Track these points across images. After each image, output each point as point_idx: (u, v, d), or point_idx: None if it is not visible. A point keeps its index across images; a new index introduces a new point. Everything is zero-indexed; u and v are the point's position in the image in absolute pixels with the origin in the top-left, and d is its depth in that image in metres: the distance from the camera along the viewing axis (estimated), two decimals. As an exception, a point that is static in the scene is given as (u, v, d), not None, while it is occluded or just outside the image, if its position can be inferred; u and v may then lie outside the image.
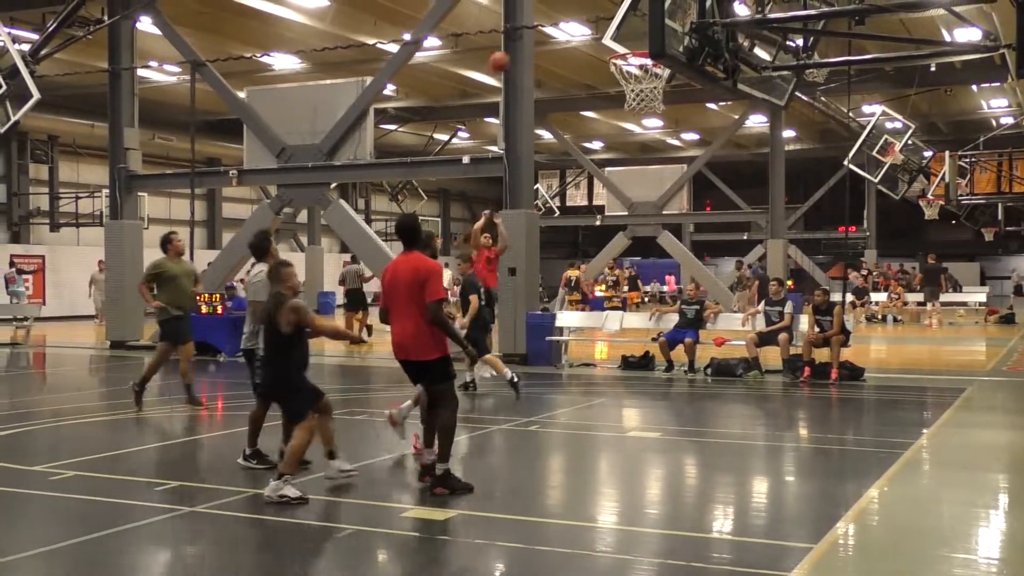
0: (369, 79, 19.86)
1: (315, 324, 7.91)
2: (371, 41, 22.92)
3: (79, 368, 18.50)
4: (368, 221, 38.76)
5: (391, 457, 9.38)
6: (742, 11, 11.39)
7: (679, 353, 16.04)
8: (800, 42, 11.63)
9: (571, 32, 24.86)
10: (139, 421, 11.94)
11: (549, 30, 24.02)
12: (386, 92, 28.48)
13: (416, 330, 7.53)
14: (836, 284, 32.28)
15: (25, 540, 6.60)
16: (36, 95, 18.36)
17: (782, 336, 15.15)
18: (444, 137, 40.26)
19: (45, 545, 6.37)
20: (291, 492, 7.26)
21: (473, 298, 12.98)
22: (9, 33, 19.09)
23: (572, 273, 29.24)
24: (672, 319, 16.63)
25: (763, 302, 16.47)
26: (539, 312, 18.43)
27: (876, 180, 29.08)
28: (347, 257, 23.38)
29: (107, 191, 22.59)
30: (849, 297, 25.94)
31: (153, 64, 25.49)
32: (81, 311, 30.77)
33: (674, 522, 7.16)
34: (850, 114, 32.70)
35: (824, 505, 7.51)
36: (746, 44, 11.00)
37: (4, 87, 18.40)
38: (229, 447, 10.11)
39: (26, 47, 19.24)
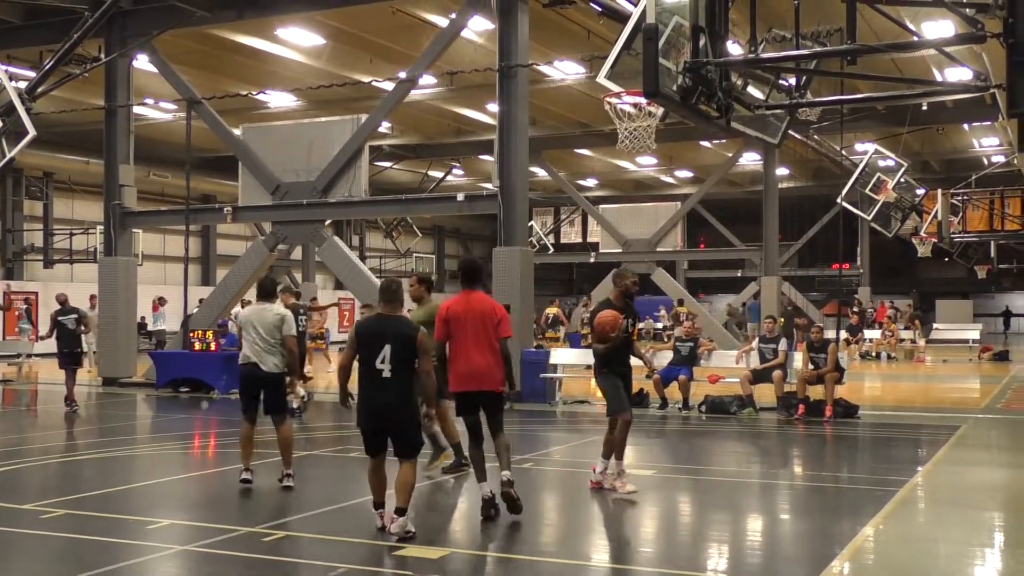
0: (364, 116, 19.94)
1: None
2: (366, 79, 23.05)
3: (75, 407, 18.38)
4: (363, 258, 38.82)
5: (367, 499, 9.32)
6: (735, 51, 11.48)
7: (673, 390, 16.02)
8: (793, 81, 11.72)
9: (565, 70, 25.03)
10: (130, 459, 11.88)
11: (544, 68, 24.18)
12: (381, 129, 28.64)
13: (492, 362, 8.33)
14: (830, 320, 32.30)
15: (14, 579, 6.54)
16: (32, 132, 18.37)
17: (776, 373, 15.14)
18: (439, 174, 40.40)
19: (34, 584, 6.32)
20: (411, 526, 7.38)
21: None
22: (6, 71, 19.14)
23: (552, 311, 29.27)
24: (667, 356, 16.62)
25: (757, 339, 16.48)
26: (533, 349, 18.40)
27: (869, 218, 29.17)
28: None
29: (101, 227, 22.59)
30: (843, 334, 25.95)
31: (149, 101, 25.60)
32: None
33: (669, 561, 7.12)
34: (843, 152, 32.89)
35: (819, 543, 7.48)
36: (739, 83, 11.08)
37: (0, 124, 18.45)
38: (221, 484, 10.06)
39: (23, 84, 19.30)
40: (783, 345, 15.43)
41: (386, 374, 7.37)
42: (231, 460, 11.57)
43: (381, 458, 7.63)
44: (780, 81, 11.74)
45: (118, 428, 15.11)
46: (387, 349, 7.39)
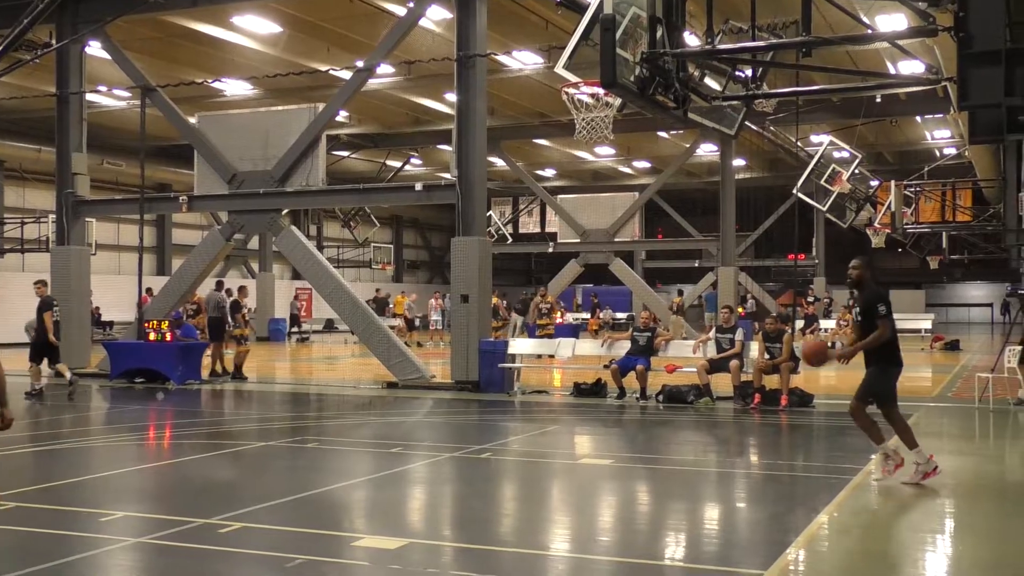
0: (322, 106, 19.83)
1: None
2: (324, 68, 22.91)
3: (22, 396, 18.12)
4: (320, 248, 38.61)
5: (341, 485, 9.30)
6: (692, 42, 11.54)
7: (631, 380, 16.10)
8: (749, 73, 11.80)
9: (524, 60, 25.03)
10: (80, 451, 11.74)
11: (502, 58, 24.18)
12: (339, 119, 28.48)
13: None
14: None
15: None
16: (-18, 119, 18.11)
17: (733, 363, 15.27)
18: (397, 164, 40.27)
19: (-15, 578, 6.23)
20: None
21: None
22: (-46, 56, 18.82)
23: (539, 300, 29.70)
24: (624, 346, 16.70)
25: (714, 329, 16.61)
26: (491, 339, 18.41)
27: (824, 209, 29.49)
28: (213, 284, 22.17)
29: (54, 216, 22.28)
30: (799, 324, 26.20)
31: (102, 89, 25.26)
32: (26, 338, 30.19)
33: (626, 549, 7.16)
34: (798, 144, 33.19)
35: (775, 531, 7.55)
36: (696, 74, 11.14)
37: (-51, 111, 18.13)
38: (176, 476, 9.98)
39: (-28, 71, 18.99)
40: (740, 335, 15.56)
41: None
42: (187, 451, 11.48)
43: None
44: (736, 73, 11.83)
45: (71, 419, 14.93)
46: None
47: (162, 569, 6.59)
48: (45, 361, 17.25)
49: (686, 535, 7.69)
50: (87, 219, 23.06)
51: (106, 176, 32.80)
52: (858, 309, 9.24)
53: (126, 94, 25.94)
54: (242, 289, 21.87)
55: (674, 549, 7.26)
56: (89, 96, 22.72)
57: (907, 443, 9.07)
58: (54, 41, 20.59)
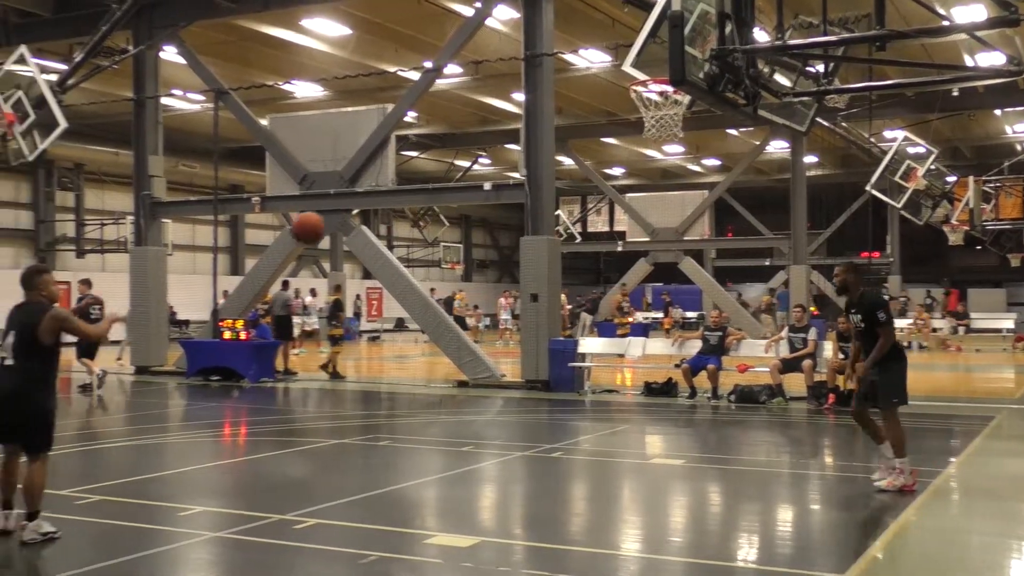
0: (390, 106, 19.98)
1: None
2: (392, 69, 23.08)
3: (104, 392, 18.58)
4: (390, 247, 38.91)
5: (414, 483, 9.38)
6: (762, 37, 11.41)
7: (702, 380, 15.98)
8: (821, 68, 11.63)
9: (591, 59, 24.95)
10: (160, 446, 12.00)
11: (569, 57, 24.12)
12: (407, 119, 28.67)
13: None
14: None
15: (53, 564, 6.62)
16: (63, 124, 18.56)
17: (806, 363, 15.06)
18: (465, 163, 40.42)
19: (72, 569, 6.39)
20: (49, 527, 6.97)
21: None
22: (37, 64, 19.31)
23: (619, 298, 29.95)
24: (695, 345, 16.57)
25: (786, 328, 16.41)
26: (561, 338, 18.41)
27: (899, 205, 28.92)
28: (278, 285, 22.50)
29: (132, 218, 22.78)
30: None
31: (177, 92, 25.76)
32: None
33: (698, 550, 7.11)
34: (872, 139, 32.61)
35: (851, 534, 7.44)
36: (766, 70, 11.00)
37: (32, 116, 18.61)
38: (250, 473, 10.14)
39: (54, 77, 19.46)
40: (813, 334, 15.34)
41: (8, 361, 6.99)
42: (261, 448, 11.67)
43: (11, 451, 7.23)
44: (807, 68, 11.66)
45: (150, 416, 15.26)
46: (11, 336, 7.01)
47: (239, 563, 6.71)
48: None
49: (759, 537, 7.61)
50: (163, 220, 23.56)
51: (181, 178, 33.43)
52: (859, 316, 9.01)
53: (200, 97, 26.43)
54: (338, 288, 22.17)
55: (747, 551, 7.19)
56: (164, 100, 23.16)
57: (897, 450, 8.78)
58: (131, 47, 21.04)
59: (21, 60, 18.80)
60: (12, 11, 20.94)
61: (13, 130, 18.62)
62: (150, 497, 8.59)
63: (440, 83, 22.82)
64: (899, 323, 31.09)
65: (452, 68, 22.95)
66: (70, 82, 19.58)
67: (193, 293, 33.74)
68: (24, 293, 7.23)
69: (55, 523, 7.19)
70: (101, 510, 7.98)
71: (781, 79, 11.69)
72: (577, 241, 44.19)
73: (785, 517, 8.36)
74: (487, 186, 19.33)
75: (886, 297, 8.30)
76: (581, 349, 17.68)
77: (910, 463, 8.75)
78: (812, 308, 31.10)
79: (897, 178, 27.59)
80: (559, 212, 40.41)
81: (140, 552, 6.78)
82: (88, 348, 17.53)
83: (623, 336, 24.57)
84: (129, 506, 8.20)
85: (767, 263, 42.78)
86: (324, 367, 20.22)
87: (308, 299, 29.87)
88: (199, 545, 7.10)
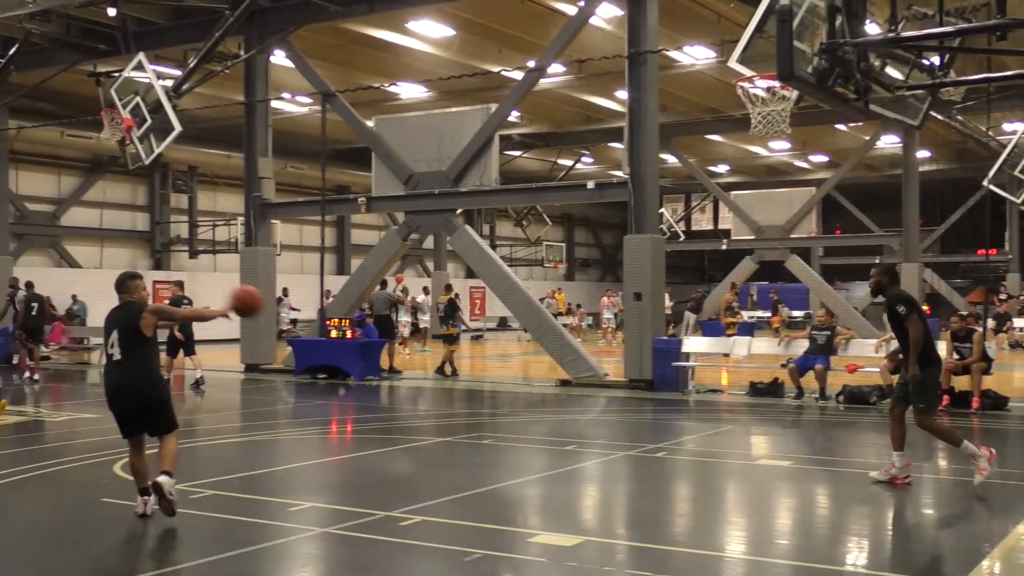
0: (494, 106, 20.08)
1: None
2: (496, 69, 23.18)
3: (216, 390, 19.11)
4: (493, 246, 39.11)
5: (517, 481, 9.41)
6: (873, 30, 11.12)
7: (809, 380, 15.67)
8: (936, 60, 11.28)
9: (696, 55, 24.68)
10: (269, 443, 12.28)
11: (673, 54, 23.89)
12: (511, 118, 28.76)
13: None
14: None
15: (167, 556, 6.84)
16: (177, 128, 19.14)
17: (919, 363, 14.62)
18: (568, 162, 40.39)
19: (185, 562, 6.59)
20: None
21: None
22: (154, 70, 19.96)
23: (730, 297, 29.67)
24: (801, 345, 16.26)
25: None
26: (665, 338, 18.26)
27: (1019, 201, 27.92)
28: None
29: (242, 219, 23.34)
30: (990, 323, 24.91)
31: (286, 96, 26.31)
32: (218, 335, 31.78)
33: (806, 553, 6.97)
34: (989, 132, 31.52)
35: (967, 540, 7.22)
36: (878, 63, 10.73)
37: (149, 121, 19.24)
38: (357, 469, 10.30)
39: (169, 83, 20.09)
40: (926, 333, 14.88)
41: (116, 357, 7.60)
42: (367, 445, 11.85)
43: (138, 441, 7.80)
44: (921, 60, 11.32)
45: (260, 413, 15.64)
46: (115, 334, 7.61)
47: (347, 559, 6.82)
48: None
49: (869, 541, 7.43)
50: (273, 221, 24.08)
51: (289, 179, 34.16)
52: (887, 316, 9.19)
53: (308, 100, 26.95)
54: (449, 287, 22.45)
55: (856, 555, 7.03)
56: (274, 103, 23.68)
57: (896, 445, 9.06)
58: (243, 52, 21.58)
59: (139, 67, 19.44)
60: (131, 20, 21.65)
61: (131, 135, 19.27)
62: (261, 492, 8.79)
63: (543, 82, 22.83)
64: (1018, 322, 30.12)
65: (555, 67, 22.93)
66: (184, 87, 20.17)
67: (300, 293, 34.43)
68: (118, 296, 7.83)
69: (169, 517, 7.43)
70: (214, 504, 8.20)
71: (893, 72, 11.38)
72: (681, 239, 43.80)
73: (896, 521, 8.14)
74: (590, 185, 19.29)
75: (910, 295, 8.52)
76: (685, 348, 17.52)
77: (908, 458, 9.11)
78: (925, 307, 30.22)
79: (1017, 172, 26.61)
80: (663, 210, 40.07)
81: (252, 546, 6.95)
82: (187, 347, 18.10)
83: (732, 336, 24.23)
84: (241, 501, 8.41)
85: (876, 261, 41.74)
86: (440, 369, 20.35)
87: (420, 297, 30.28)
88: (308, 540, 7.24)
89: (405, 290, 31.01)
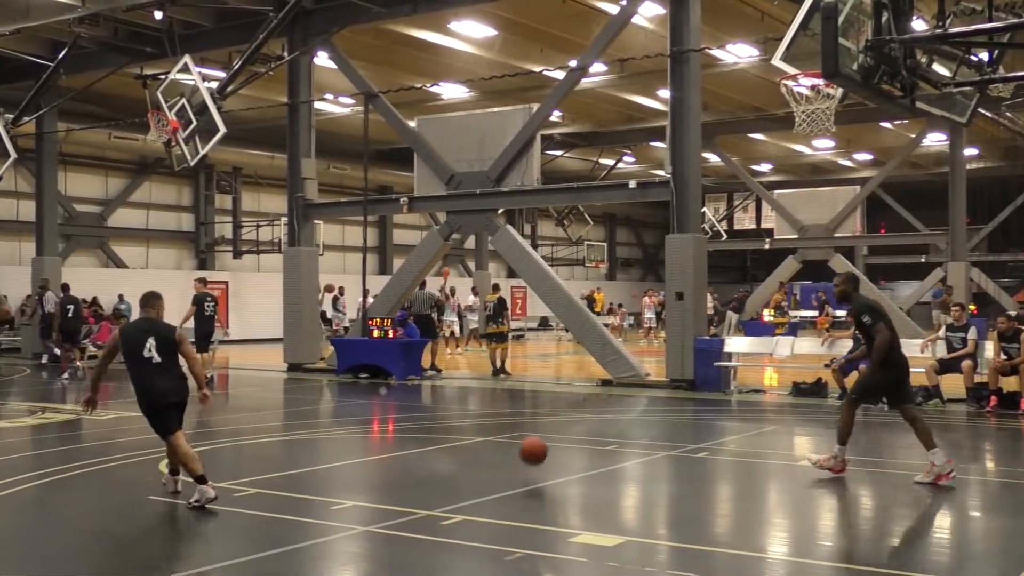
0: (536, 106, 20.07)
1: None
2: (538, 68, 23.18)
3: (259, 389, 19.30)
4: (535, 246, 39.11)
5: (558, 481, 9.40)
6: (920, 26, 10.99)
7: (853, 380, 15.48)
8: (984, 56, 11.12)
9: (739, 54, 24.51)
10: (312, 441, 12.37)
11: (716, 52, 23.74)
12: (552, 118, 28.75)
13: None
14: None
15: (211, 553, 6.91)
16: (222, 129, 19.34)
17: (966, 363, 14.44)
18: (610, 162, 40.29)
19: (229, 559, 6.65)
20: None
21: None
22: (200, 72, 20.18)
23: (779, 296, 29.47)
24: (845, 345, 16.09)
25: (943, 327, 15.77)
26: (707, 338, 18.16)
27: (1068, 199, 27.45)
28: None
29: (286, 219, 23.52)
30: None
31: (329, 97, 26.48)
32: (262, 334, 32.11)
33: (849, 555, 6.91)
34: (1038, 130, 31.03)
35: (1015, 543, 7.11)
36: (924, 60, 10.60)
37: (194, 123, 19.46)
38: (398, 468, 10.35)
39: (214, 85, 20.30)
40: (973, 334, 14.69)
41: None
42: (408, 444, 11.90)
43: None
44: (969, 56, 11.17)
45: (302, 412, 15.76)
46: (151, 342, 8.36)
47: (389, 558, 6.85)
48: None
49: (914, 543, 7.34)
50: (315, 221, 24.25)
51: (331, 180, 34.37)
52: (855, 325, 9.50)
53: (350, 101, 27.10)
54: (496, 287, 22.50)
55: (901, 557, 6.95)
56: (317, 104, 23.84)
57: (841, 439, 9.29)
58: (286, 53, 21.75)
59: (185, 69, 19.68)
60: (177, 23, 21.90)
61: (177, 136, 19.51)
62: (303, 491, 8.85)
63: (585, 82, 22.78)
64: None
65: (597, 66, 22.86)
66: (229, 89, 20.39)
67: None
68: (142, 310, 8.70)
69: (215, 514, 7.51)
70: (258, 503, 8.28)
71: (940, 69, 11.24)
72: (723, 239, 43.52)
73: (941, 523, 8.05)
74: (632, 184, 19.23)
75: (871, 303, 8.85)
76: (727, 348, 17.40)
77: (848, 451, 9.33)
78: (971, 307, 29.84)
79: (1066, 170, 26.17)
80: (705, 209, 39.89)
81: (295, 544, 7.00)
82: (202, 343, 18.48)
83: (780, 335, 23.99)
84: (283, 499, 8.48)
85: (922, 260, 41.25)
86: (502, 369, 20.44)
87: (470, 299, 30.38)
88: (350, 539, 7.29)
89: (452, 290, 31.11)
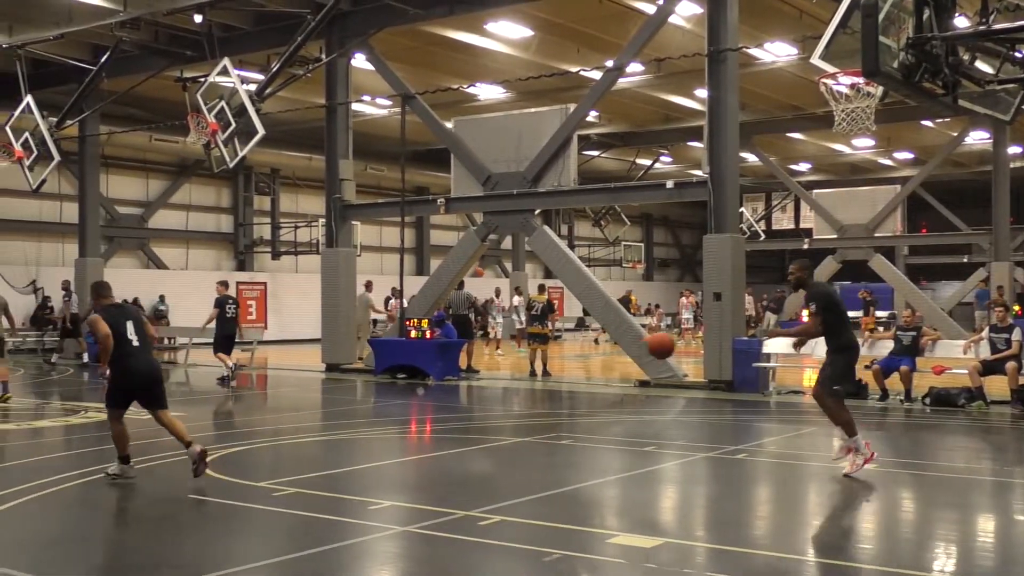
0: (573, 106, 20.04)
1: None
2: (574, 69, 23.14)
3: (297, 389, 19.42)
4: (571, 247, 39.06)
5: (596, 482, 9.38)
6: (962, 23, 10.85)
7: (894, 381, 15.35)
8: (1028, 53, 10.96)
9: (777, 52, 24.34)
10: (350, 441, 12.42)
11: (754, 51, 23.59)
12: (589, 118, 28.70)
13: None
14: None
15: (251, 552, 6.96)
16: (261, 131, 19.48)
17: (1010, 365, 14.24)
18: (647, 162, 40.15)
19: (269, 558, 6.70)
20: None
21: None
22: (238, 75, 20.34)
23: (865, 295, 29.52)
24: (886, 346, 15.93)
25: (987, 328, 15.57)
26: (745, 338, 18.04)
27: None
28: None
29: (323, 220, 23.66)
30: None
31: (366, 98, 26.59)
32: (300, 335, 32.33)
33: (890, 559, 6.82)
34: (1084, 128, 30.55)
35: (1060, 547, 7.00)
36: (967, 57, 10.46)
37: (233, 125, 19.62)
38: (436, 469, 10.37)
39: (252, 87, 20.45)
40: (1017, 335, 14.48)
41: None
42: (446, 445, 11.92)
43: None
44: (1014, 53, 11.01)
45: (340, 412, 15.83)
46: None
47: (427, 558, 6.87)
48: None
49: (958, 547, 7.25)
50: (353, 222, 24.36)
51: (369, 181, 34.52)
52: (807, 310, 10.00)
53: (387, 102, 27.21)
54: (541, 288, 22.53)
55: (943, 561, 6.86)
56: (354, 105, 23.95)
57: (850, 432, 9.52)
58: (324, 55, 21.88)
59: (224, 72, 19.84)
60: (216, 26, 22.09)
61: (216, 139, 19.67)
62: (341, 491, 8.89)
63: (622, 81, 22.73)
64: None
65: (634, 66, 22.81)
66: (267, 91, 20.53)
67: (380, 294, 34.83)
68: (105, 298, 9.46)
69: (254, 513, 7.56)
70: (297, 502, 8.32)
71: (983, 66, 11.09)
72: (761, 239, 43.22)
73: (985, 527, 7.93)
74: (669, 184, 19.15)
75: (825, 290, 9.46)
76: (766, 349, 17.28)
77: (863, 439, 9.46)
78: (1016, 307, 29.45)
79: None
80: (743, 209, 39.62)
81: (333, 543, 7.04)
82: (225, 344, 18.95)
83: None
84: (322, 499, 8.52)
85: (964, 260, 40.75)
86: (545, 370, 20.49)
87: (516, 299, 30.43)
88: (388, 539, 7.31)
89: (497, 291, 31.20)
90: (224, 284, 19.93)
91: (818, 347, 17.19)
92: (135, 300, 30.13)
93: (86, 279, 25.48)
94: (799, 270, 10.03)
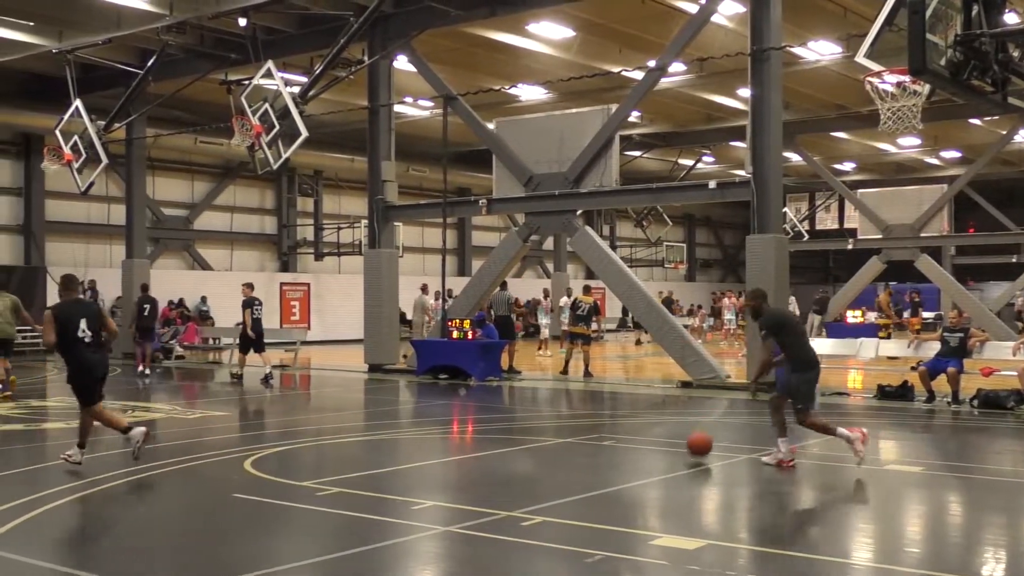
0: (614, 107, 20.00)
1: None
2: (616, 69, 23.09)
3: (340, 390, 19.55)
4: (613, 247, 38.99)
5: (638, 483, 9.36)
6: (1012, 19, 10.70)
7: (940, 383, 15.16)
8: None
9: (821, 51, 24.12)
10: (393, 441, 12.48)
11: (797, 50, 23.39)
12: (631, 119, 28.62)
13: None
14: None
15: (294, 551, 7.02)
16: (304, 133, 19.62)
17: (1060, 367, 14.02)
18: (689, 162, 39.96)
19: (312, 557, 6.75)
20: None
21: None
22: (282, 77, 20.50)
23: (886, 297, 29.22)
24: (932, 347, 15.74)
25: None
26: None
27: None
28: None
29: (366, 221, 23.78)
30: None
31: (408, 99, 26.70)
32: (343, 335, 32.53)
33: (937, 562, 6.75)
34: None
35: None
36: (1017, 54, 10.32)
37: (277, 127, 19.78)
38: (479, 469, 10.39)
39: (296, 89, 20.61)
40: (1066, 336, 14.26)
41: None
42: (488, 445, 11.94)
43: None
44: (1064, 50, 10.84)
45: (383, 412, 15.91)
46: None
47: (469, 558, 6.89)
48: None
49: (1006, 551, 7.15)
50: (395, 223, 24.47)
51: (411, 182, 34.65)
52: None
53: (429, 103, 27.30)
54: (587, 289, 22.52)
55: (992, 565, 6.77)
56: (396, 107, 24.06)
57: (779, 432, 10.16)
58: (366, 57, 22.00)
59: (268, 74, 20.00)
60: (260, 29, 22.29)
61: (260, 141, 19.84)
62: (384, 490, 8.94)
63: (664, 82, 22.63)
64: None
65: (676, 66, 22.70)
66: (311, 93, 20.67)
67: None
68: (69, 293, 9.90)
69: (298, 513, 7.63)
70: (340, 502, 8.38)
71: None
72: (805, 239, 42.83)
73: (1036, 532, 7.81)
74: (712, 184, 19.05)
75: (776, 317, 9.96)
76: (810, 351, 17.10)
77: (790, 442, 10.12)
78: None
79: None
80: (786, 209, 39.29)
81: (376, 543, 7.08)
82: (254, 344, 19.53)
83: (885, 338, 23.36)
84: (365, 498, 8.58)
85: (1013, 260, 40.14)
86: (587, 371, 20.53)
87: (563, 300, 30.43)
88: (431, 539, 7.34)
89: (545, 292, 31.16)
90: (250, 286, 20.19)
91: (863, 349, 17.10)
92: (180, 301, 30.51)
93: (133, 280, 25.85)
94: (752, 299, 10.54)
